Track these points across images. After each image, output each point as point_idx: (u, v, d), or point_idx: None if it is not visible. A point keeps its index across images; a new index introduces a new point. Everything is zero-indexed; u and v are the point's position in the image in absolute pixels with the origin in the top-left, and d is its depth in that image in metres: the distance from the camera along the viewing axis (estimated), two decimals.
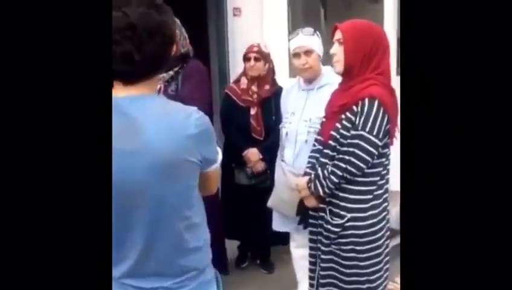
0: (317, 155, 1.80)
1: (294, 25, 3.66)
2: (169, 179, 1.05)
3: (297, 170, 2.01)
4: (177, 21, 2.29)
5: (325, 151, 1.75)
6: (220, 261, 2.60)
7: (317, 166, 1.77)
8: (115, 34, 0.97)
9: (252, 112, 2.61)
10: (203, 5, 3.96)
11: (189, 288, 1.15)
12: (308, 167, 1.84)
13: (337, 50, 1.71)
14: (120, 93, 1.04)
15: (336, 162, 1.69)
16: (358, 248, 1.69)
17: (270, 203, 2.19)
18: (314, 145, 1.86)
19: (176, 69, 2.28)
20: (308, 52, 2.07)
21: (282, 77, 3.60)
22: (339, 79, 2.03)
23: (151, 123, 1.02)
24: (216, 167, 1.18)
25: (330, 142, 1.73)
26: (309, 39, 2.08)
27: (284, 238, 2.62)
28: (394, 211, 3.03)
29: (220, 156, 1.20)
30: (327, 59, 1.91)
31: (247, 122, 2.61)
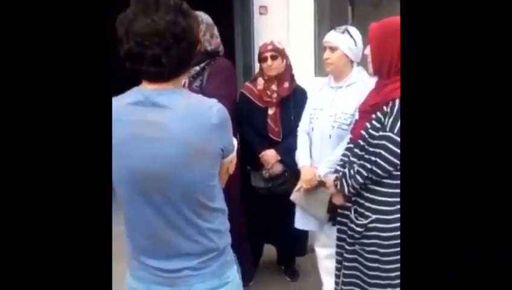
0: (349, 153, 1.79)
1: (321, 23, 3.63)
2: (192, 167, 1.12)
3: (317, 163, 2.13)
4: (208, 19, 2.30)
5: (355, 150, 1.74)
6: (246, 265, 2.60)
7: (346, 164, 1.76)
8: (145, 39, 1.06)
9: (270, 112, 2.50)
10: (230, 3, 3.96)
11: (212, 268, 1.22)
12: (339, 165, 1.84)
13: (368, 51, 1.71)
14: (149, 87, 1.14)
15: (362, 162, 1.66)
16: (381, 250, 1.66)
17: (294, 198, 2.23)
18: (348, 143, 1.85)
19: (203, 65, 2.29)
20: (332, 48, 2.11)
21: (308, 75, 3.59)
22: (369, 78, 2.03)
23: (177, 114, 1.11)
24: (233, 156, 1.25)
25: (360, 141, 1.71)
26: (337, 36, 2.10)
27: (304, 248, 2.60)
28: None
29: (235, 146, 1.27)
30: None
31: (264, 123, 2.50)
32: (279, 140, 2.51)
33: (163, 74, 1.11)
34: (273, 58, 2.48)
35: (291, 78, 2.58)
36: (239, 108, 2.64)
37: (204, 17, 2.30)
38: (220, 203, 1.24)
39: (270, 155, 2.50)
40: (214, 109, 1.14)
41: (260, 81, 2.56)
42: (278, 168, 2.50)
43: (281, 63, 2.51)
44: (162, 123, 1.09)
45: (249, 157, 2.55)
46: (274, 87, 2.51)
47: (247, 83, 2.71)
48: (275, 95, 2.51)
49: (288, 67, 2.57)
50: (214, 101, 1.17)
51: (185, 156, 1.10)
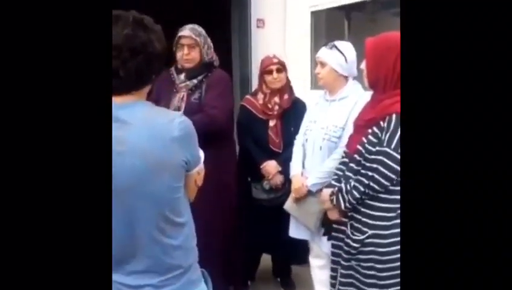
0: (344, 168, 1.79)
1: (317, 37, 3.67)
2: (154, 180, 1.12)
3: (309, 174, 2.18)
4: (202, 31, 2.34)
5: (350, 164, 1.74)
6: (234, 276, 2.59)
7: (342, 179, 1.76)
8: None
9: (271, 123, 2.54)
10: (228, 15, 4.01)
11: (175, 286, 1.20)
12: (333, 179, 1.84)
13: (364, 65, 1.72)
14: (115, 100, 1.14)
15: (359, 177, 1.67)
16: (378, 265, 1.65)
17: (287, 207, 2.28)
18: (342, 157, 1.86)
19: (200, 77, 2.31)
20: (322, 64, 2.17)
21: (304, 87, 3.62)
22: (362, 93, 2.06)
23: (137, 127, 1.12)
24: (198, 169, 1.25)
25: (355, 156, 1.71)
26: (326, 52, 2.16)
27: (304, 256, 2.60)
28: None
29: (202, 159, 1.28)
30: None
31: (265, 135, 2.54)
32: (280, 151, 2.54)
33: (122, 86, 1.13)
34: (279, 71, 2.53)
35: (291, 91, 2.63)
36: (239, 120, 2.69)
37: (199, 29, 2.34)
38: (186, 217, 1.23)
39: (271, 166, 2.52)
40: (175, 122, 1.15)
41: (260, 95, 2.60)
42: (279, 179, 2.52)
43: (285, 76, 2.57)
44: (122, 137, 1.09)
45: (249, 169, 2.58)
46: (276, 99, 2.56)
47: (247, 96, 2.75)
48: (276, 107, 2.55)
49: (288, 80, 2.63)
50: (178, 113, 1.20)
51: (146, 169, 1.10)
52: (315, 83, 3.54)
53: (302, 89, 3.51)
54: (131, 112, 1.13)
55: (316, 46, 3.60)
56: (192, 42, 2.30)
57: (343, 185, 1.72)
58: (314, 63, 2.42)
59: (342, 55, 2.14)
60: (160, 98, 2.35)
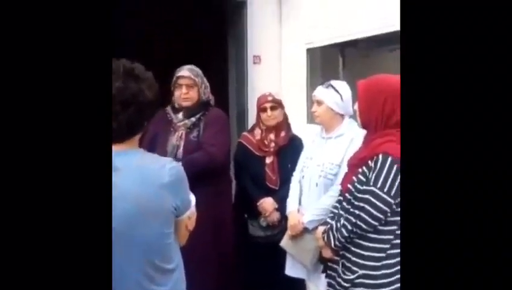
0: (339, 206, 1.80)
1: (313, 72, 3.74)
2: (144, 226, 1.13)
3: (305, 211, 2.18)
4: (199, 71, 2.39)
5: (343, 203, 1.75)
6: None
7: (335, 217, 1.77)
8: None
9: (268, 160, 2.55)
10: (225, 52, 4.09)
11: None
12: (329, 217, 1.85)
13: (356, 106, 1.77)
14: None
15: (347, 215, 1.68)
16: None
17: (283, 244, 2.26)
18: (339, 195, 1.87)
19: (198, 116, 2.35)
20: (319, 103, 2.22)
21: (300, 123, 3.65)
22: (358, 130, 2.09)
23: (129, 173, 1.14)
24: (189, 213, 1.26)
25: (346, 194, 1.73)
26: (322, 91, 2.22)
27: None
28: None
29: (193, 203, 1.29)
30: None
31: (262, 172, 2.54)
32: (277, 188, 2.54)
33: (114, 136, 1.16)
34: (273, 108, 2.56)
35: (288, 128, 2.65)
36: (236, 157, 2.70)
37: (197, 70, 2.39)
38: (175, 262, 1.23)
39: (267, 203, 2.51)
40: (166, 168, 1.17)
41: (258, 131, 2.63)
42: (276, 216, 2.51)
43: (280, 113, 2.60)
44: (113, 182, 1.09)
45: (246, 205, 2.58)
46: (272, 136, 2.58)
47: (244, 133, 2.77)
48: (272, 144, 2.57)
49: (285, 117, 2.66)
50: (168, 159, 1.22)
51: (136, 214, 1.11)
52: (311, 118, 3.58)
53: (298, 124, 3.55)
54: (123, 159, 1.15)
55: (311, 82, 3.67)
56: (190, 82, 2.34)
57: (334, 222, 1.74)
58: (310, 98, 2.47)
59: (337, 94, 2.19)
60: (157, 137, 2.37)
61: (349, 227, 1.65)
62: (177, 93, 2.37)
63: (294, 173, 2.35)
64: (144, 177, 1.14)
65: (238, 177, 2.63)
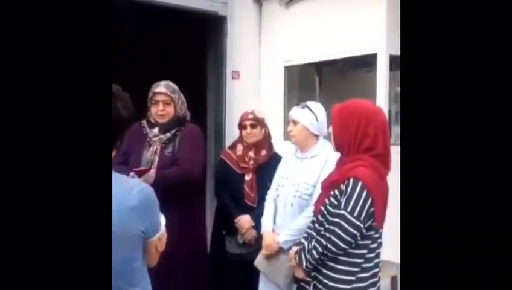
0: (312, 226, 1.81)
1: (290, 90, 3.78)
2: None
3: (280, 230, 2.18)
4: (175, 86, 2.39)
5: (315, 224, 1.77)
6: None
7: (309, 238, 1.78)
8: None
9: (247, 178, 2.55)
10: (204, 66, 4.09)
11: None
12: (303, 237, 1.85)
13: (331, 129, 1.79)
14: None
15: (318, 237, 1.69)
16: None
17: (257, 263, 2.25)
18: (313, 215, 1.88)
19: (174, 131, 2.34)
20: (295, 122, 2.23)
21: (277, 140, 3.68)
22: (332, 152, 2.12)
23: None
24: (159, 235, 1.24)
25: (319, 216, 1.74)
26: (298, 112, 2.24)
27: None
28: (385, 282, 2.99)
29: (162, 225, 1.26)
30: None
31: (241, 189, 2.55)
32: (255, 206, 2.53)
33: None
34: (253, 126, 2.57)
35: (270, 146, 2.66)
36: (217, 173, 2.70)
37: (173, 86, 2.39)
38: (142, 285, 1.20)
39: (244, 221, 2.51)
40: (134, 191, 1.14)
41: (239, 148, 2.63)
42: (252, 234, 2.50)
43: (260, 131, 2.60)
44: None
45: (224, 222, 2.57)
46: (251, 154, 2.59)
47: (226, 149, 2.78)
48: (251, 162, 2.57)
49: (267, 136, 2.66)
50: (137, 181, 1.20)
51: None
52: (287, 135, 3.62)
53: (275, 140, 3.57)
54: None
55: (289, 99, 3.71)
56: (167, 99, 2.34)
57: (306, 244, 1.74)
58: (287, 116, 2.50)
59: (313, 115, 2.21)
60: (131, 151, 2.36)
61: (320, 249, 1.66)
62: (153, 109, 2.36)
63: (269, 192, 2.35)
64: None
65: (218, 193, 2.63)
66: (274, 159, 2.59)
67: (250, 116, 2.59)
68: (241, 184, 2.55)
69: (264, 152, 2.60)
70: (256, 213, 2.48)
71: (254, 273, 2.36)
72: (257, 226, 2.47)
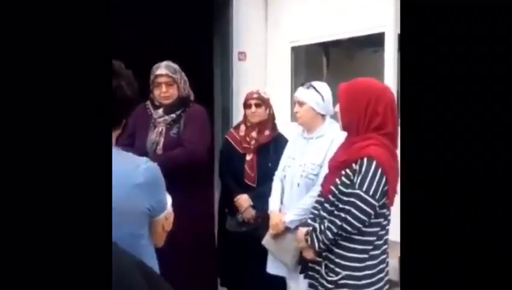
0: (319, 207, 1.80)
1: (297, 71, 3.75)
2: (114, 226, 1.07)
3: (287, 210, 2.20)
4: (176, 66, 2.37)
5: (325, 205, 1.76)
6: None
7: (317, 218, 1.78)
8: None
9: (248, 158, 2.56)
10: (210, 48, 4.07)
11: None
12: (310, 218, 1.85)
13: (338, 108, 1.77)
14: None
15: (332, 218, 1.68)
16: None
17: (265, 242, 2.27)
18: (318, 195, 1.88)
19: (178, 112, 2.33)
20: (301, 103, 2.22)
21: (284, 121, 3.66)
22: (339, 131, 2.10)
23: None
24: (165, 214, 1.23)
25: (329, 196, 1.73)
26: (304, 92, 2.22)
27: (283, 288, 2.58)
28: (393, 262, 3.00)
29: (169, 204, 1.26)
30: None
31: (242, 168, 2.56)
32: (254, 185, 2.55)
33: None
34: (257, 106, 2.57)
35: (273, 127, 2.65)
36: (221, 153, 2.72)
37: (174, 66, 2.36)
38: (149, 264, 1.17)
39: (243, 200, 2.54)
40: (140, 168, 1.14)
41: (242, 128, 2.64)
42: (250, 213, 2.53)
43: (264, 112, 2.60)
44: None
45: (227, 201, 2.60)
46: (254, 134, 2.59)
47: (231, 129, 2.79)
48: (253, 142, 2.58)
49: (271, 117, 2.65)
50: (144, 159, 1.18)
51: None
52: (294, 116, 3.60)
53: (282, 121, 3.56)
54: None
55: (296, 80, 3.68)
56: (169, 80, 2.32)
57: (317, 225, 1.74)
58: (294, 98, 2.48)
59: (319, 95, 2.20)
60: (137, 132, 2.36)
61: (335, 230, 1.66)
62: (156, 92, 2.34)
63: (276, 172, 2.36)
64: (117, 177, 1.09)
65: (221, 172, 2.65)
66: (277, 140, 2.60)
67: (255, 96, 2.58)
68: (243, 164, 2.57)
69: (267, 132, 2.60)
70: (255, 193, 2.51)
71: (255, 251, 2.38)
72: (256, 205, 2.51)
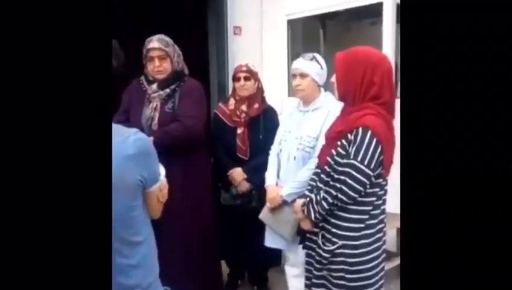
0: (316, 178, 1.80)
1: (294, 44, 3.70)
2: None
3: (284, 183, 2.20)
4: (169, 40, 2.32)
5: (322, 176, 1.75)
6: (214, 284, 2.58)
7: (314, 190, 1.77)
8: None
9: (239, 131, 2.57)
10: (204, 23, 4.00)
11: None
12: (307, 190, 1.85)
13: (334, 79, 1.74)
14: None
15: (327, 188, 1.68)
16: (348, 276, 1.67)
17: (262, 216, 2.29)
18: (315, 167, 1.87)
19: (173, 87, 2.30)
20: (302, 75, 2.18)
21: (281, 95, 3.63)
22: (335, 103, 2.08)
23: None
24: (158, 186, 1.22)
25: (326, 167, 1.72)
26: (306, 63, 2.18)
27: (278, 258, 2.61)
28: (391, 233, 3.03)
29: (162, 176, 1.25)
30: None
31: (233, 142, 2.57)
32: (246, 159, 2.57)
33: None
34: (246, 79, 2.56)
35: (262, 100, 2.65)
36: (212, 128, 2.71)
37: (167, 39, 2.32)
38: (143, 235, 1.21)
39: (237, 173, 2.56)
40: (130, 139, 1.13)
41: (232, 102, 2.64)
42: (245, 186, 2.55)
43: (253, 85, 2.60)
44: None
45: (220, 176, 2.61)
46: (244, 107, 2.59)
47: (220, 104, 2.78)
48: (243, 115, 2.58)
49: (260, 90, 2.65)
50: (134, 130, 1.17)
51: None
52: (292, 90, 3.57)
53: (279, 96, 3.53)
54: None
55: (292, 54, 3.63)
56: (162, 54, 2.27)
57: (313, 195, 1.74)
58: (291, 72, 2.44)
59: (319, 66, 2.17)
60: (131, 108, 2.33)
61: (330, 200, 1.66)
62: (149, 66, 2.30)
63: (272, 147, 2.36)
64: None
65: (212, 147, 2.64)
66: (266, 113, 2.61)
67: (244, 69, 2.58)
68: (234, 138, 2.58)
69: (256, 105, 2.60)
70: (248, 166, 2.54)
71: (251, 223, 2.41)
72: (249, 178, 2.54)
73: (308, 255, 1.86)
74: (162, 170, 1.26)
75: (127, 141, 1.13)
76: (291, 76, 2.25)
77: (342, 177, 1.64)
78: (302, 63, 2.18)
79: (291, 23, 3.64)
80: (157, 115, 2.26)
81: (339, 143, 1.67)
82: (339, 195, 1.64)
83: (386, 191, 1.73)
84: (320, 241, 1.73)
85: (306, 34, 3.76)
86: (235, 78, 2.60)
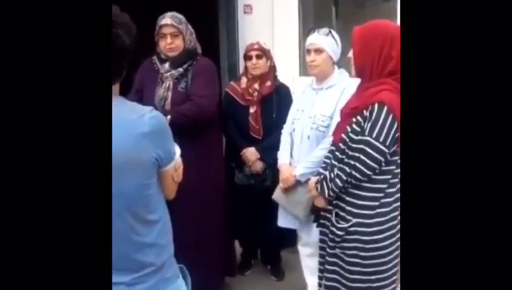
0: (331, 156, 1.78)
1: (305, 22, 3.64)
2: (123, 177, 1.09)
3: (297, 163, 2.18)
4: (182, 17, 2.30)
5: (336, 153, 1.73)
6: (228, 264, 2.61)
7: (328, 167, 1.76)
8: None
9: (251, 110, 2.55)
10: (215, 2, 3.95)
11: (149, 284, 1.19)
12: (322, 167, 1.84)
13: (351, 54, 1.70)
14: None
15: (342, 165, 1.67)
16: (361, 253, 1.67)
17: (275, 196, 2.27)
18: (330, 145, 1.85)
19: (186, 66, 2.29)
20: (318, 51, 2.13)
21: (292, 75, 3.60)
22: (349, 81, 2.05)
23: None
24: (174, 165, 1.22)
25: (340, 144, 1.71)
26: (322, 39, 2.13)
27: (292, 239, 2.62)
28: None
29: (177, 155, 1.25)
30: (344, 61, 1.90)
31: (246, 121, 2.55)
32: (260, 138, 2.56)
33: None
34: (258, 57, 2.54)
35: (274, 79, 2.63)
36: (223, 107, 2.69)
37: (179, 16, 2.30)
38: (159, 214, 1.21)
39: (250, 153, 2.55)
40: (146, 117, 1.12)
41: (244, 80, 2.62)
42: (259, 166, 2.55)
43: (265, 63, 2.57)
44: None
45: (233, 155, 2.60)
46: (256, 86, 2.56)
47: (231, 82, 2.76)
48: (256, 93, 2.56)
49: (272, 68, 2.62)
50: (149, 108, 1.16)
51: (115, 165, 1.03)
52: (304, 70, 3.53)
53: (290, 75, 3.49)
54: None
55: (304, 32, 3.58)
56: (174, 31, 2.25)
57: (327, 173, 1.73)
58: (303, 49, 2.41)
59: (335, 42, 2.13)
60: (144, 88, 2.33)
61: (344, 177, 1.65)
62: (161, 43, 2.28)
63: (285, 126, 2.34)
64: (123, 127, 1.09)
65: (224, 126, 2.63)
66: (279, 90, 2.58)
67: (256, 47, 2.55)
68: (246, 116, 2.56)
69: (268, 83, 2.57)
70: (262, 145, 2.52)
71: (264, 202, 2.41)
72: (263, 157, 2.53)
73: (322, 233, 1.86)
74: (177, 150, 1.25)
75: (142, 119, 1.12)
76: (306, 51, 2.20)
77: (356, 154, 1.62)
78: (318, 38, 2.13)
79: (303, 1, 3.58)
80: (170, 94, 2.26)
81: (354, 120, 1.65)
82: (353, 172, 1.62)
83: None
84: (333, 219, 1.73)
85: (318, 11, 3.70)
86: (247, 57, 2.57)
